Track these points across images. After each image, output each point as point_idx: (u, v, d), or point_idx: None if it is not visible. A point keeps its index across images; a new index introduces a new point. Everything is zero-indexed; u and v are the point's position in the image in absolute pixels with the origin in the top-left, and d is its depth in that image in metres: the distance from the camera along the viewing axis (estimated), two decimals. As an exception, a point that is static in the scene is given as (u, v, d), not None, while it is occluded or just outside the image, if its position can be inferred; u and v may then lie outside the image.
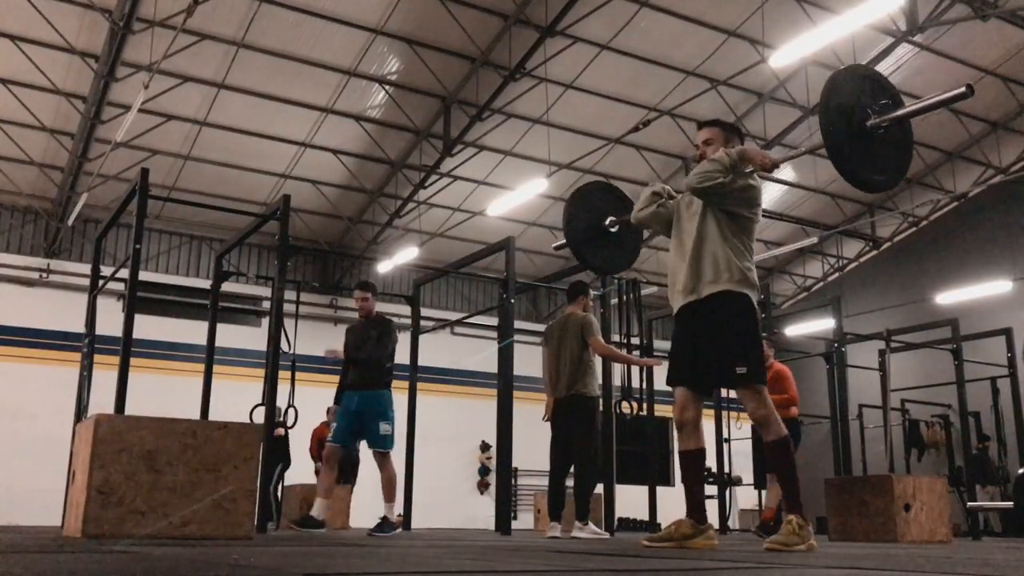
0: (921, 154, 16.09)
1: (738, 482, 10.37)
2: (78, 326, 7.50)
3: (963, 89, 3.46)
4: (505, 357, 7.77)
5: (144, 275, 9.40)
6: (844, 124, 3.58)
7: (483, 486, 16.91)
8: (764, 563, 2.54)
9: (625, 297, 8.87)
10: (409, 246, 15.41)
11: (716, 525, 8.08)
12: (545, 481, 6.99)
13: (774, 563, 2.54)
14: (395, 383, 7.01)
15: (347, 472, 10.93)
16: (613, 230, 5.04)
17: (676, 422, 3.96)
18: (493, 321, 12.09)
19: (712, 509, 9.24)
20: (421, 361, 9.60)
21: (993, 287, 15.51)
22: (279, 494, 10.72)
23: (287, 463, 10.72)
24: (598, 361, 7.20)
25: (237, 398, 9.46)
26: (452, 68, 13.03)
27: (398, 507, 9.32)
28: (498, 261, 10.24)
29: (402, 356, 10.87)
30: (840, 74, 3.70)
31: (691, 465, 4.01)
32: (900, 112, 3.63)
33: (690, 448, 3.97)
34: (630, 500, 13.19)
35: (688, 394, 3.92)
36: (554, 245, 6.44)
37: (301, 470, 11.18)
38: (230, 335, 13.16)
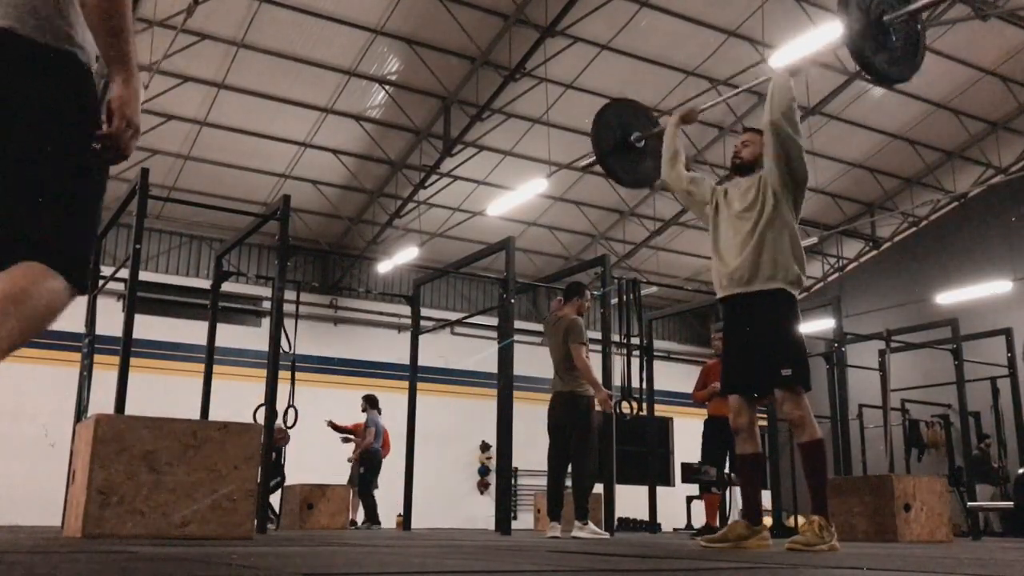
0: (921, 154, 16.10)
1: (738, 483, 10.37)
2: (78, 326, 7.50)
3: None
4: (505, 357, 7.77)
5: (144, 275, 9.40)
6: (864, 16, 3.90)
7: (483, 486, 16.92)
8: (765, 563, 2.54)
9: (625, 297, 8.87)
10: (409, 246, 15.41)
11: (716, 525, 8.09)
12: (545, 481, 6.99)
13: (774, 563, 2.54)
14: (395, 383, 7.01)
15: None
16: (640, 145, 5.16)
17: (732, 427, 4.05)
18: (493, 321, 12.09)
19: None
20: (421, 361, 9.61)
21: (993, 287, 15.51)
22: (277, 502, 10.69)
23: (282, 479, 10.69)
24: (597, 360, 7.21)
25: (237, 398, 9.48)
26: (452, 68, 13.03)
27: (398, 507, 9.35)
28: (498, 261, 10.24)
29: (402, 356, 10.92)
30: None
31: (747, 469, 4.10)
32: (914, 6, 3.99)
33: (747, 452, 4.03)
34: (630, 500, 13.21)
35: (742, 400, 4.01)
36: (583, 164, 6.56)
37: (301, 470, 11.18)
38: (230, 335, 13.18)
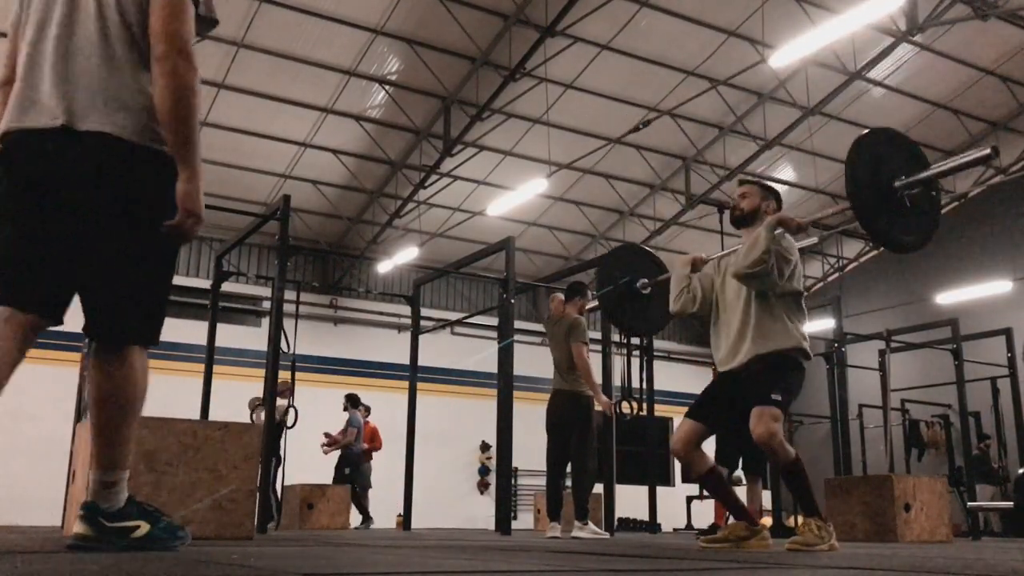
0: (921, 154, 16.09)
1: (738, 483, 10.37)
2: (78, 326, 7.49)
3: (988, 151, 3.54)
4: (505, 357, 7.77)
5: (144, 275, 9.38)
6: (872, 185, 3.60)
7: (483, 486, 16.91)
8: (764, 563, 2.54)
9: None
10: (409, 246, 15.41)
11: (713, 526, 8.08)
12: (545, 481, 6.99)
13: (773, 563, 2.54)
14: (395, 383, 7.02)
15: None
16: (646, 292, 5.07)
17: (680, 455, 3.99)
18: (493, 321, 12.08)
19: (710, 509, 9.27)
20: (421, 361, 9.61)
21: (993, 287, 15.51)
22: (279, 493, 10.70)
23: (279, 459, 10.68)
24: (597, 360, 7.22)
25: (237, 398, 9.48)
26: (452, 68, 13.03)
27: (398, 507, 9.35)
28: (498, 261, 10.23)
29: (402, 356, 10.91)
30: (865, 136, 3.70)
31: (712, 485, 4.12)
32: (927, 173, 3.62)
33: (703, 472, 4.02)
34: (630, 500, 13.20)
35: (696, 428, 3.97)
36: (588, 307, 6.56)
37: (301, 470, 11.17)
38: (230, 335, 13.18)
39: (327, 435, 11.24)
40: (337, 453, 11.30)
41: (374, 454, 11.64)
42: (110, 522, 2.33)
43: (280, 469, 10.65)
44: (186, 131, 2.22)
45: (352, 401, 11.33)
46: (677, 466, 18.83)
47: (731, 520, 4.16)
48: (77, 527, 2.31)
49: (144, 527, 2.36)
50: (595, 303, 5.65)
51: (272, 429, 6.63)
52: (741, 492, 13.64)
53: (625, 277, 5.05)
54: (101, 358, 2.32)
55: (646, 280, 5.04)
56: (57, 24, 2.26)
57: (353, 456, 11.07)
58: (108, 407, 2.29)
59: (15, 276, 2.22)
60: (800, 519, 3.86)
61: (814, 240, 16.43)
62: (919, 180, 3.59)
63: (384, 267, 16.56)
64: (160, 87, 2.20)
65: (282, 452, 10.66)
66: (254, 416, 9.50)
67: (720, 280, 4.18)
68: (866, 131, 3.77)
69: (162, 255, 2.34)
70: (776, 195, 4.22)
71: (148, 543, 2.33)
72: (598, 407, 6.58)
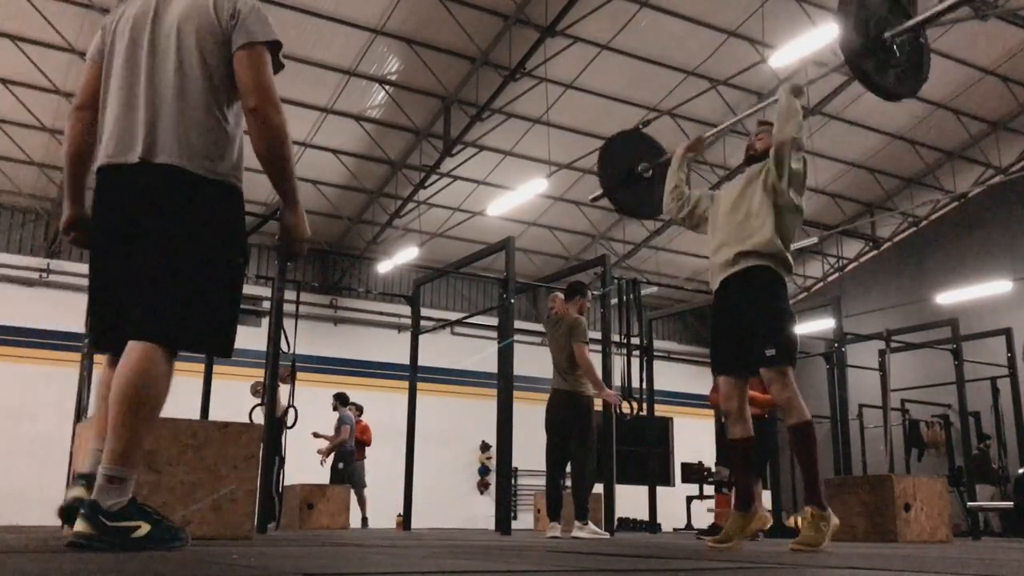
0: (921, 154, 16.09)
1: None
2: (78, 326, 7.50)
3: None
4: (505, 357, 7.77)
5: (144, 275, 9.38)
6: (863, 37, 3.77)
7: (483, 486, 16.91)
8: (764, 563, 2.54)
9: (625, 297, 8.87)
10: (409, 246, 15.41)
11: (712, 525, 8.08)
12: (545, 481, 6.99)
13: (773, 563, 2.54)
14: (395, 383, 7.02)
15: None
16: (647, 175, 5.10)
17: (723, 411, 4.03)
18: (493, 321, 12.08)
19: (710, 509, 9.27)
20: (421, 361, 9.61)
21: (993, 287, 15.51)
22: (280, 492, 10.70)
23: (281, 460, 10.67)
24: (598, 359, 7.21)
25: (237, 398, 9.47)
26: (452, 68, 13.03)
27: (398, 507, 9.34)
28: (498, 261, 10.23)
29: (402, 356, 10.91)
30: None
31: (738, 453, 4.06)
32: (913, 20, 3.83)
33: (737, 436, 3.98)
34: (630, 500, 13.20)
35: (732, 382, 3.96)
36: (591, 196, 6.49)
37: (301, 470, 11.17)
38: (230, 335, 13.15)
39: (316, 435, 11.21)
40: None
41: (368, 452, 11.63)
42: (111, 521, 2.34)
43: (281, 470, 10.66)
44: (283, 170, 2.53)
45: (341, 400, 11.34)
46: (677, 466, 18.83)
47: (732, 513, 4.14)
48: (78, 525, 2.34)
49: (144, 527, 2.38)
50: (599, 194, 5.61)
51: (272, 428, 6.62)
52: (741, 492, 13.50)
53: (627, 158, 5.11)
54: (138, 352, 2.41)
55: (646, 163, 5.08)
56: (145, 68, 2.53)
57: (346, 453, 11.08)
58: (129, 403, 2.38)
59: (110, 323, 2.50)
60: (799, 519, 3.85)
61: (814, 240, 16.46)
62: (907, 28, 3.80)
63: (384, 267, 16.56)
64: (256, 135, 2.50)
65: (283, 452, 10.70)
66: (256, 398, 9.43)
67: (715, 207, 4.21)
68: None
69: (223, 273, 2.54)
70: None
71: (147, 543, 2.36)
72: (598, 406, 6.58)
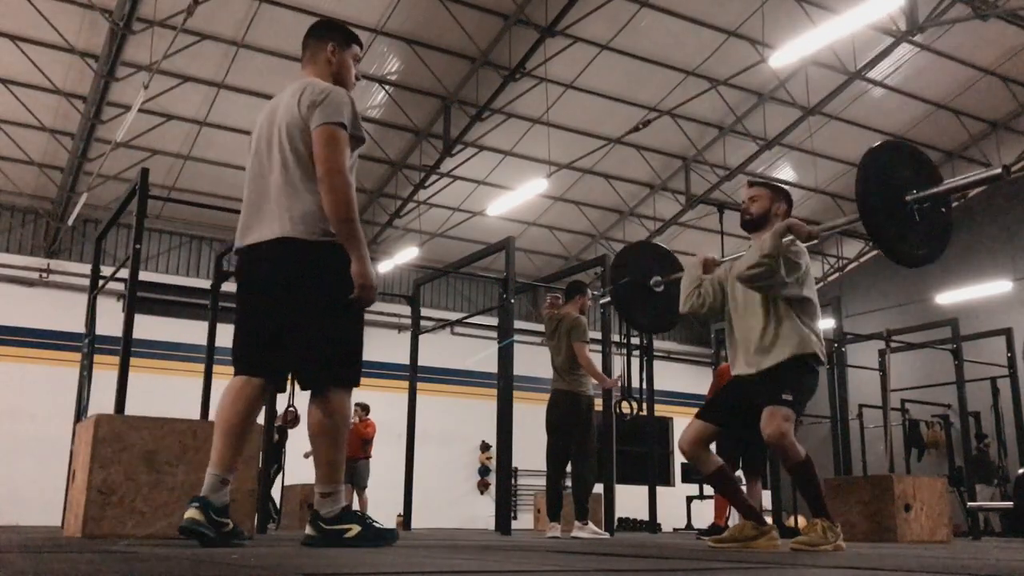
0: (921, 154, 16.08)
1: (737, 482, 10.38)
2: (78, 326, 7.49)
3: (999, 171, 3.40)
4: (505, 357, 7.76)
5: (144, 275, 9.38)
6: (881, 198, 3.49)
7: (483, 486, 16.91)
8: (764, 563, 2.54)
9: (625, 297, 8.85)
10: (409, 246, 15.41)
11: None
12: (545, 481, 6.99)
13: (773, 563, 2.54)
14: (395, 383, 7.03)
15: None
16: (658, 290, 4.95)
17: (687, 454, 3.94)
18: (493, 321, 12.09)
19: (710, 509, 9.25)
20: (421, 361, 9.60)
21: (993, 287, 15.51)
22: (279, 497, 10.68)
23: (280, 465, 10.66)
24: (598, 359, 7.21)
25: (237, 398, 9.46)
26: (452, 68, 13.03)
27: (398, 507, 9.35)
28: (498, 261, 10.23)
29: (402, 356, 10.90)
30: (877, 148, 3.60)
31: (721, 484, 4.08)
32: (939, 188, 3.52)
33: (711, 471, 3.97)
34: (630, 500, 13.20)
35: (709, 429, 3.93)
36: (601, 302, 6.45)
37: (301, 470, 11.18)
38: (230, 335, 13.14)
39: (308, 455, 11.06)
40: None
41: (373, 452, 11.55)
42: (328, 525, 2.99)
43: (280, 475, 10.65)
44: (349, 229, 2.95)
45: None
46: (677, 466, 18.84)
47: (738, 519, 4.14)
48: (307, 529, 3.04)
49: (355, 529, 2.99)
50: (607, 299, 5.53)
51: (272, 429, 6.62)
52: (741, 492, 13.55)
53: (638, 272, 4.97)
54: (314, 401, 3.03)
55: (659, 278, 4.98)
56: (264, 163, 3.13)
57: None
58: (321, 438, 3.00)
59: (244, 353, 3.17)
60: (803, 520, 3.84)
61: (814, 240, 16.45)
62: (930, 195, 3.49)
63: (384, 267, 16.56)
64: (325, 200, 2.95)
65: (284, 459, 10.69)
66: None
67: (731, 285, 4.09)
68: (879, 143, 3.66)
69: (347, 316, 3.07)
70: (787, 196, 4.10)
71: (359, 542, 2.96)
72: (598, 407, 6.58)
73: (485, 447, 16.61)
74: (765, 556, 3.15)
